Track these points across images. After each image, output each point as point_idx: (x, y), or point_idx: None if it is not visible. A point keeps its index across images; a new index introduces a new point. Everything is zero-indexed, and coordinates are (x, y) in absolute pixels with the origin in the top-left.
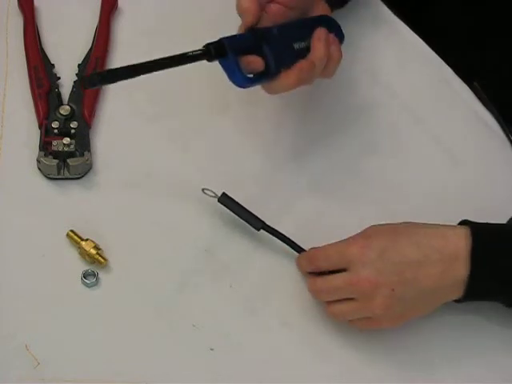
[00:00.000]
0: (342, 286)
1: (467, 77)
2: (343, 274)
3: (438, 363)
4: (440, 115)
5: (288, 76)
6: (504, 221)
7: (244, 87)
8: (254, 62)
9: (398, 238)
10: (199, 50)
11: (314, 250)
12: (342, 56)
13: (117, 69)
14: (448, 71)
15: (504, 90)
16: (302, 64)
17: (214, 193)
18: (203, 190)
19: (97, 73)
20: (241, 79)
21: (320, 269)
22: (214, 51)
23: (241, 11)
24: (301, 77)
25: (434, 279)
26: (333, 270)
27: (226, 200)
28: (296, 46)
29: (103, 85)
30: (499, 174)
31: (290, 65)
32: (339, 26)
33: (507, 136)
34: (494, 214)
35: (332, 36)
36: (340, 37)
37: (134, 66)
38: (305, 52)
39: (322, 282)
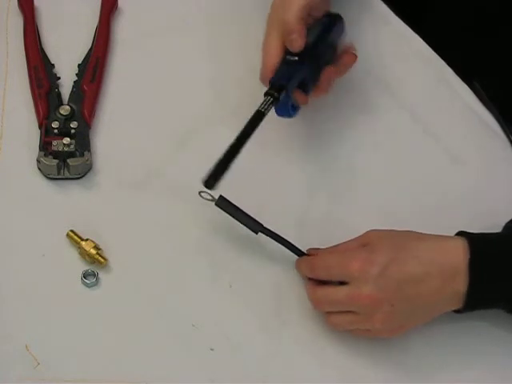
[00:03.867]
0: (343, 301)
1: (467, 77)
2: (344, 287)
3: (438, 367)
4: (440, 115)
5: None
6: (504, 221)
7: (293, 117)
8: (301, 98)
9: (400, 252)
10: (269, 101)
11: (315, 258)
12: (356, 58)
13: (222, 160)
14: (448, 71)
15: (504, 89)
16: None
17: (211, 195)
18: (200, 192)
19: (212, 172)
20: (293, 112)
21: (320, 278)
22: (278, 96)
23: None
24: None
25: (434, 293)
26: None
27: (223, 203)
28: (323, 61)
29: (220, 178)
30: (499, 173)
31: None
32: (342, 22)
33: (507, 136)
34: (494, 214)
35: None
36: (341, 32)
37: (231, 148)
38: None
39: (323, 293)
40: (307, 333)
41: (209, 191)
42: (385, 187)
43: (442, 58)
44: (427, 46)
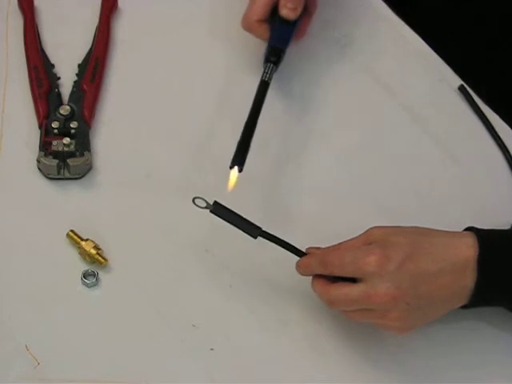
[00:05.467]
0: (358, 300)
1: (466, 76)
2: (359, 285)
3: (440, 367)
4: (440, 115)
5: None
6: (503, 220)
7: None
8: None
9: (415, 248)
10: (271, 68)
11: (329, 254)
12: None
13: (242, 139)
14: (448, 71)
15: (504, 88)
16: None
17: (206, 202)
18: (193, 200)
19: (238, 152)
20: None
21: (333, 274)
22: (278, 60)
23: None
24: None
25: (445, 290)
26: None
27: (218, 209)
28: None
29: (245, 156)
30: (499, 173)
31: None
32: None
33: (495, 140)
34: (493, 214)
35: None
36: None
37: (248, 125)
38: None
39: (337, 293)
40: (307, 333)
41: (203, 197)
42: (384, 187)
43: (442, 57)
44: (427, 46)
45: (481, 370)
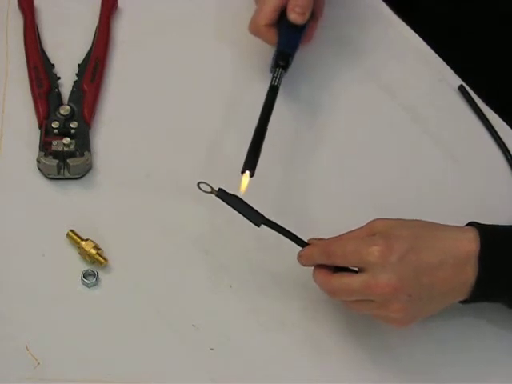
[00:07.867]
0: (359, 290)
1: (466, 76)
2: (361, 275)
3: (439, 364)
4: (440, 115)
5: None
6: (503, 220)
7: None
8: None
9: (417, 241)
10: (280, 73)
11: (332, 244)
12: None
13: (253, 144)
14: (448, 71)
15: (503, 87)
16: None
17: (210, 187)
18: (198, 184)
19: (249, 157)
20: None
21: (335, 264)
22: (287, 64)
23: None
24: None
25: (446, 283)
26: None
27: (224, 195)
28: None
29: (257, 161)
30: (499, 173)
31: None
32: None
33: (496, 140)
34: (493, 214)
35: None
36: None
37: (258, 130)
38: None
39: (338, 283)
40: (307, 333)
41: (208, 183)
42: (384, 187)
43: (442, 57)
44: (427, 46)
45: (480, 367)
